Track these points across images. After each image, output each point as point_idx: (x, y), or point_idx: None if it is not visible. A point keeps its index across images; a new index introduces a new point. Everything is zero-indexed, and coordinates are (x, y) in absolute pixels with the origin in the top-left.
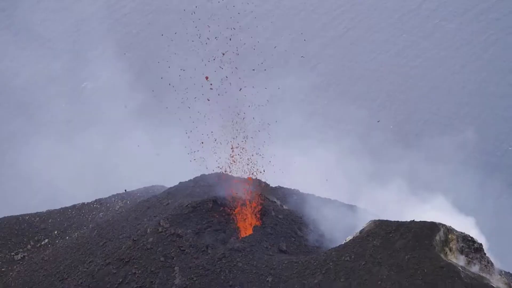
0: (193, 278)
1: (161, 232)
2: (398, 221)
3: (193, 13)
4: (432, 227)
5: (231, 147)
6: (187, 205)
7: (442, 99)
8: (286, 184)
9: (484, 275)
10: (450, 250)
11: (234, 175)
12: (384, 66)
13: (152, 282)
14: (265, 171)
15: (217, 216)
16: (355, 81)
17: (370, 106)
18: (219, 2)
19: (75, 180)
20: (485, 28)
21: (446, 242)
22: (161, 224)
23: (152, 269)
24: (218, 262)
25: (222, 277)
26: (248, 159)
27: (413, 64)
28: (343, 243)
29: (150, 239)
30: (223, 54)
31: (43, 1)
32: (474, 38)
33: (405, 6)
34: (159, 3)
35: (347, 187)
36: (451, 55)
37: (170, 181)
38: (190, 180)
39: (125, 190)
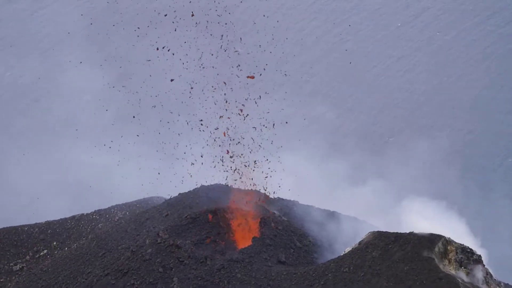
0: None
1: (160, 243)
2: (397, 233)
3: (193, 17)
4: (431, 239)
5: (229, 154)
6: (186, 216)
7: (438, 112)
8: (285, 195)
9: (483, 286)
10: (449, 262)
11: (234, 186)
12: (380, 78)
13: None
14: (270, 183)
15: (216, 227)
16: (351, 93)
17: (366, 118)
18: (216, 10)
19: (64, 192)
20: (481, 41)
21: (445, 253)
22: (160, 235)
23: (150, 280)
24: (217, 273)
25: None
26: (253, 170)
27: (409, 76)
28: (342, 254)
29: (149, 250)
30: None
31: (36, 13)
32: (470, 50)
33: (401, 18)
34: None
35: (352, 200)
36: (447, 68)
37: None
38: (189, 192)
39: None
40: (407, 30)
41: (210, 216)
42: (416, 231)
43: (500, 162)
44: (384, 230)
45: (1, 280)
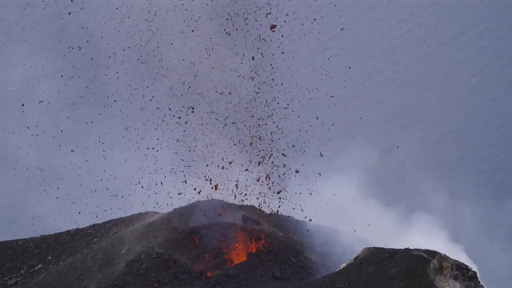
0: None
1: (155, 257)
2: (392, 249)
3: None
4: (427, 255)
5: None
6: (181, 231)
7: (429, 126)
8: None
9: None
10: (444, 278)
11: (230, 201)
12: (371, 94)
13: None
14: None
15: (212, 242)
16: (341, 109)
17: (364, 134)
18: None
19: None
20: (472, 56)
21: (440, 269)
22: (155, 249)
23: None
24: None
25: None
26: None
27: (401, 91)
28: (337, 270)
29: (144, 265)
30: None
31: None
32: (462, 66)
33: (392, 33)
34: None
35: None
36: (438, 83)
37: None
38: (185, 206)
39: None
40: (398, 46)
41: (204, 232)
42: (412, 247)
43: (492, 175)
44: (380, 246)
45: None
